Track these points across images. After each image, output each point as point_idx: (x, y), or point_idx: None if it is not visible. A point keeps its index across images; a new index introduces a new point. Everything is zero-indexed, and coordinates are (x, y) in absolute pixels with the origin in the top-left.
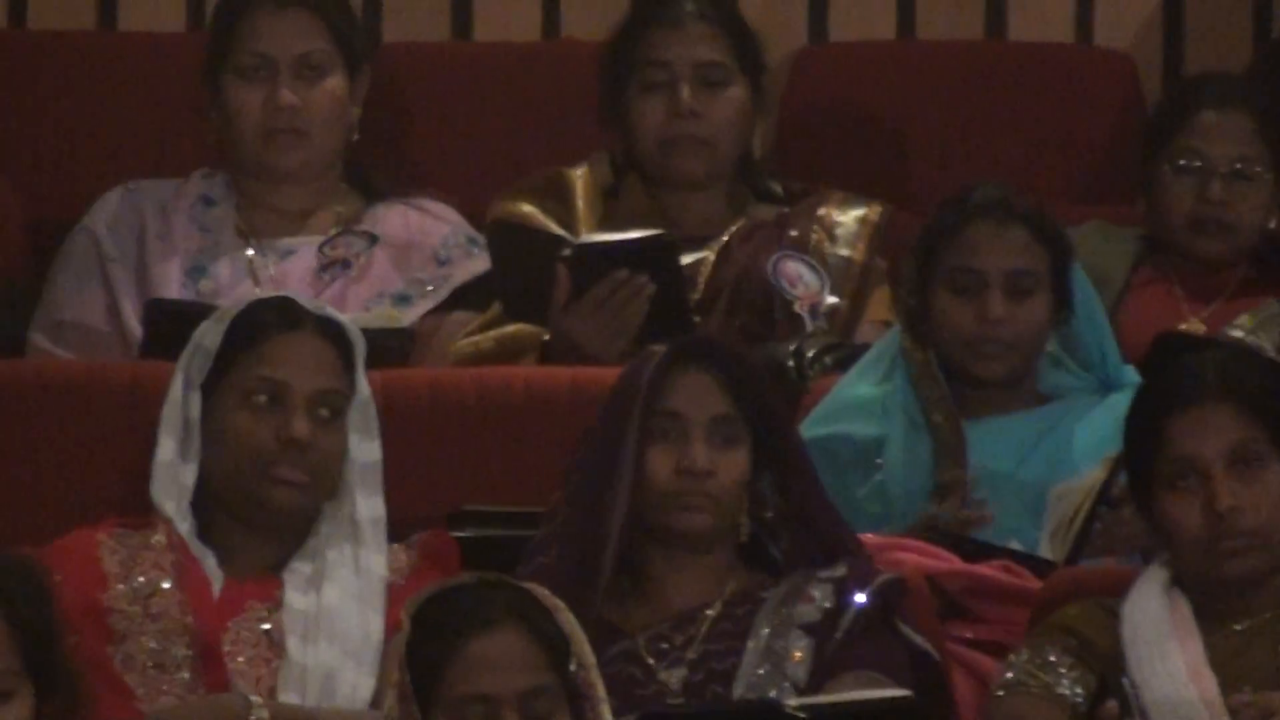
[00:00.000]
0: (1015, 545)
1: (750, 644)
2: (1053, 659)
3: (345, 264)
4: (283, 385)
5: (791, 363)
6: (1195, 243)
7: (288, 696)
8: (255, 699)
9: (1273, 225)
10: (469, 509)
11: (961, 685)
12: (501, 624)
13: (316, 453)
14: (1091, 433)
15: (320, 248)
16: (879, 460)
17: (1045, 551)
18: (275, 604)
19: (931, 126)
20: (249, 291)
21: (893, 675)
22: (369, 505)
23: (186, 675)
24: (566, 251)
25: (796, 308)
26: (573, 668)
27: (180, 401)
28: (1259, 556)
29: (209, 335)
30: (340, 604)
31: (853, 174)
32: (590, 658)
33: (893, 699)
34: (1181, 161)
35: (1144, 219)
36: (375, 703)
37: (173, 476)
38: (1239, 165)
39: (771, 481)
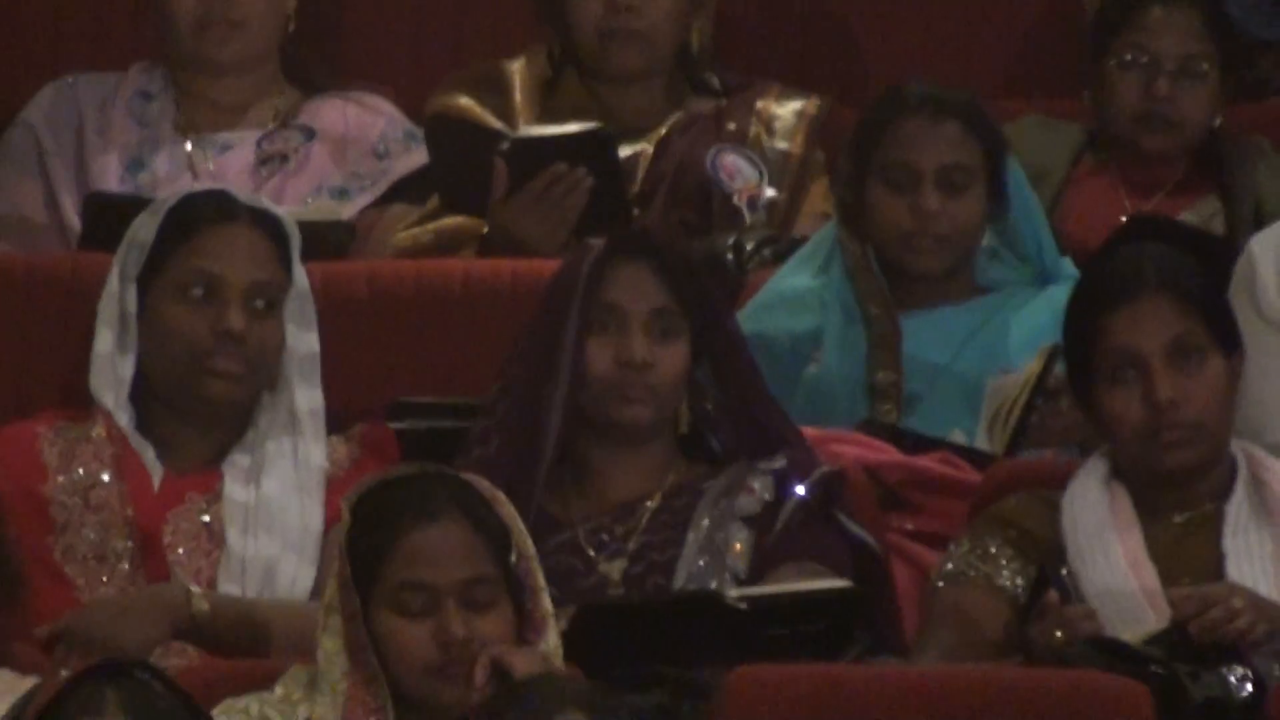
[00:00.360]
0: (957, 438)
1: (690, 535)
2: (993, 550)
3: (283, 158)
4: (217, 278)
5: (730, 255)
6: (1141, 138)
7: (228, 588)
8: (195, 590)
9: (1217, 122)
10: (408, 401)
11: (901, 576)
12: (442, 515)
13: (252, 345)
14: (1028, 325)
15: (258, 142)
16: (815, 352)
17: (983, 444)
18: (215, 496)
19: (870, 18)
20: (187, 185)
21: (833, 566)
22: (307, 397)
23: (126, 567)
24: (504, 145)
25: (735, 200)
26: (513, 559)
27: (117, 294)
28: (1198, 448)
29: (144, 228)
30: (280, 495)
31: (791, 67)
32: (530, 548)
33: (833, 589)
34: (1128, 56)
35: (1088, 113)
36: (315, 593)
37: (111, 369)
38: (1186, 61)
39: (710, 373)
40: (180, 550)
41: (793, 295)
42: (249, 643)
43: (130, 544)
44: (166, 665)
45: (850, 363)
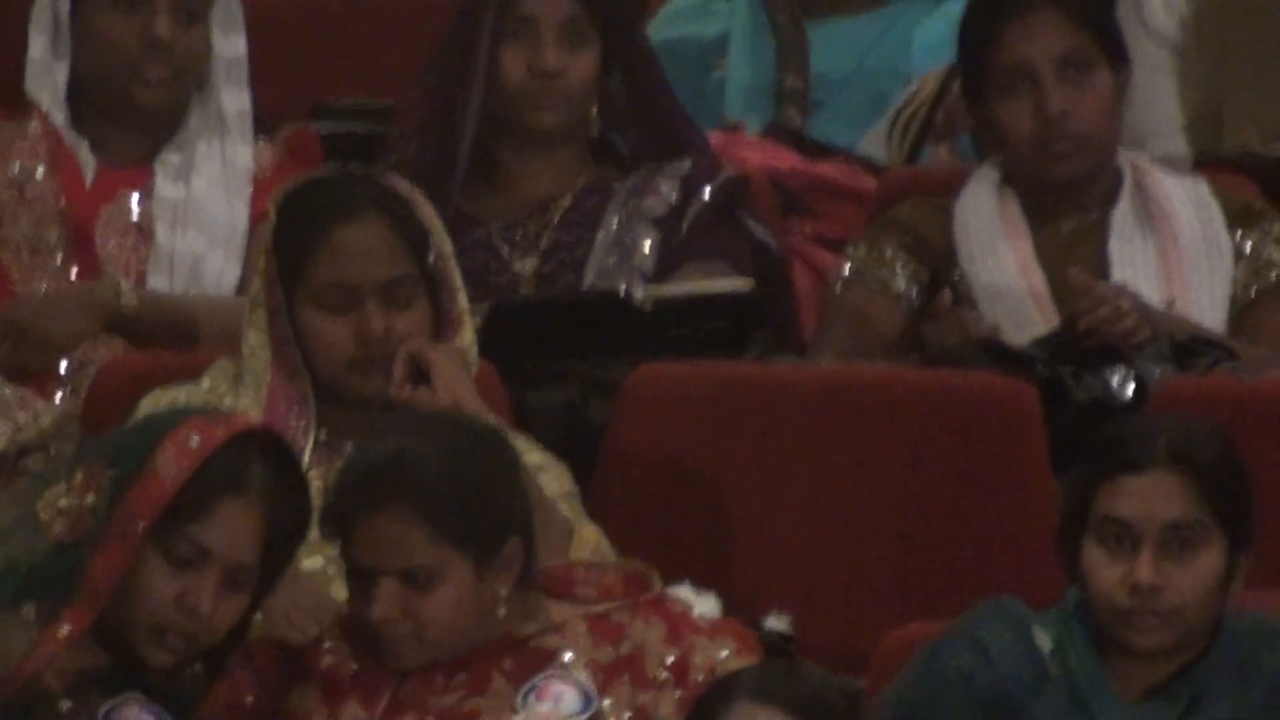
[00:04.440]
0: (860, 149)
1: (600, 234)
2: (888, 253)
3: None
4: None
5: None
6: None
7: (156, 281)
8: (125, 286)
9: None
10: (331, 104)
11: (801, 279)
12: (364, 214)
13: (179, 51)
14: (929, 35)
15: None
16: (721, 59)
17: (879, 150)
18: (146, 192)
19: None
20: None
21: (736, 266)
22: (235, 99)
23: (59, 259)
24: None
25: None
26: (431, 258)
27: (49, 1)
28: (1086, 159)
29: None
30: (208, 193)
31: None
32: (448, 247)
33: (735, 290)
34: None
35: None
36: (241, 289)
37: (46, 72)
38: None
39: (620, 80)
40: (111, 244)
41: (701, 2)
42: (177, 336)
43: (63, 236)
44: (95, 358)
45: (757, 69)
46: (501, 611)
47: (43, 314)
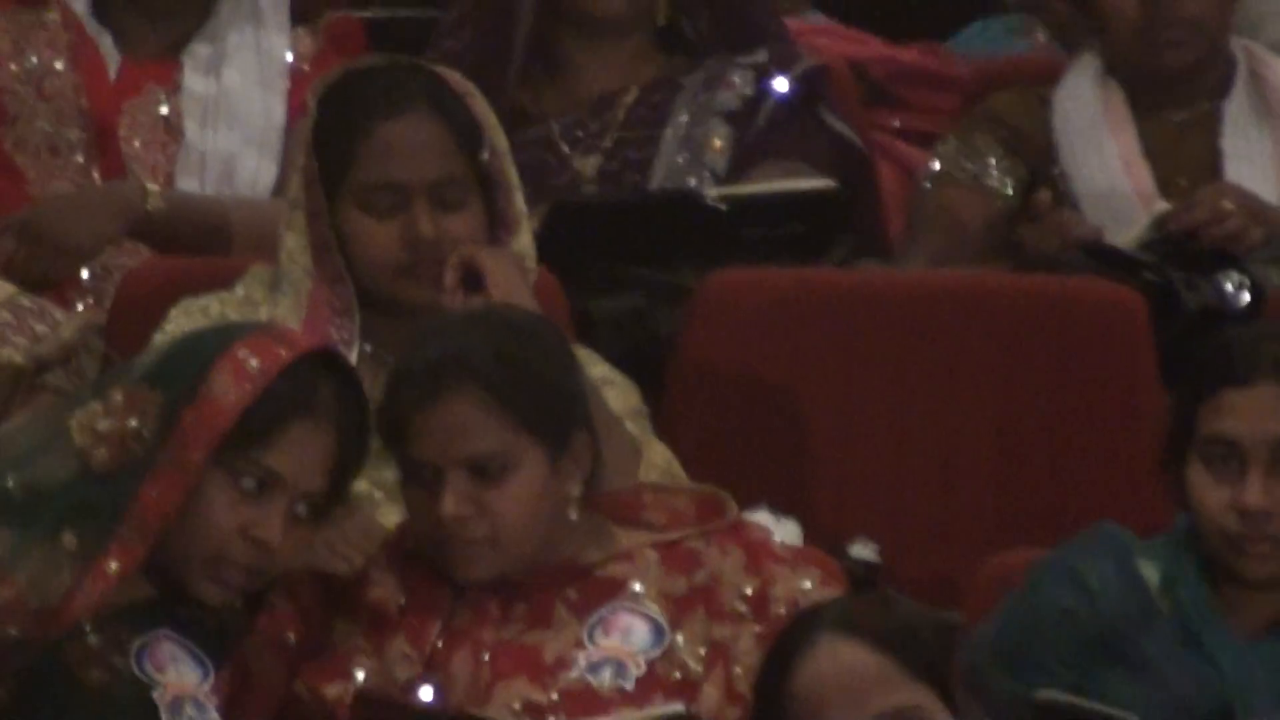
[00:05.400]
0: None
1: (668, 131)
2: (982, 148)
3: None
4: None
5: None
6: None
7: (186, 183)
8: (152, 187)
9: None
10: None
11: (886, 175)
12: (412, 108)
13: None
14: None
15: None
16: None
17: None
18: (173, 87)
19: None
20: None
21: (816, 164)
22: None
23: (80, 159)
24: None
25: None
26: (484, 155)
27: None
28: (1197, 46)
29: None
30: (241, 87)
31: None
32: (502, 144)
33: (815, 189)
34: None
35: None
36: (278, 191)
37: None
38: None
39: None
40: (136, 143)
41: None
42: (207, 242)
43: (84, 135)
44: (119, 264)
45: None
46: (573, 515)
47: (63, 217)
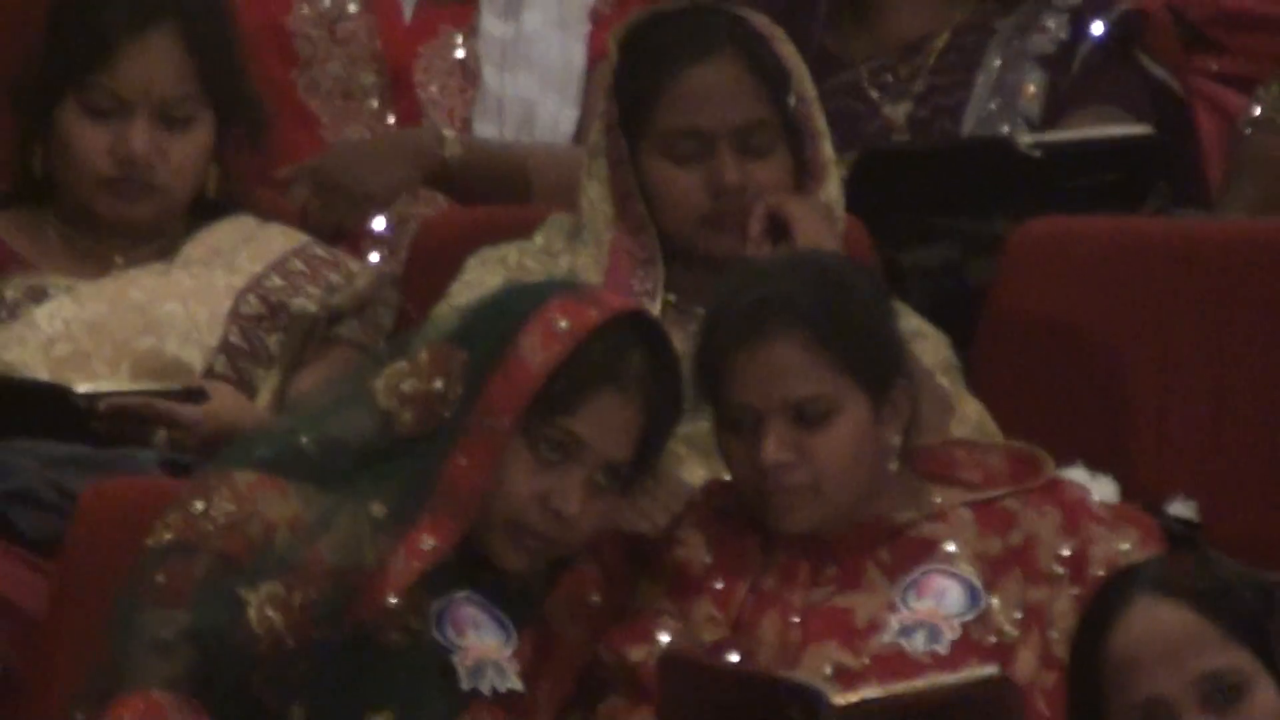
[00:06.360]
0: None
1: (980, 77)
2: None
3: None
4: None
5: None
6: None
7: (483, 129)
8: (448, 134)
9: None
10: None
11: (1205, 121)
12: (718, 53)
13: None
14: None
15: None
16: None
17: None
18: (471, 30)
19: None
20: None
21: (1132, 110)
22: None
23: (375, 104)
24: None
25: None
26: (792, 101)
27: None
28: None
29: None
30: (541, 30)
31: None
32: (810, 90)
33: (1132, 135)
34: None
35: None
36: (579, 137)
37: None
38: None
39: None
40: (433, 88)
41: None
42: (506, 190)
43: (378, 80)
44: (415, 213)
45: None
46: (893, 466)
47: (357, 164)
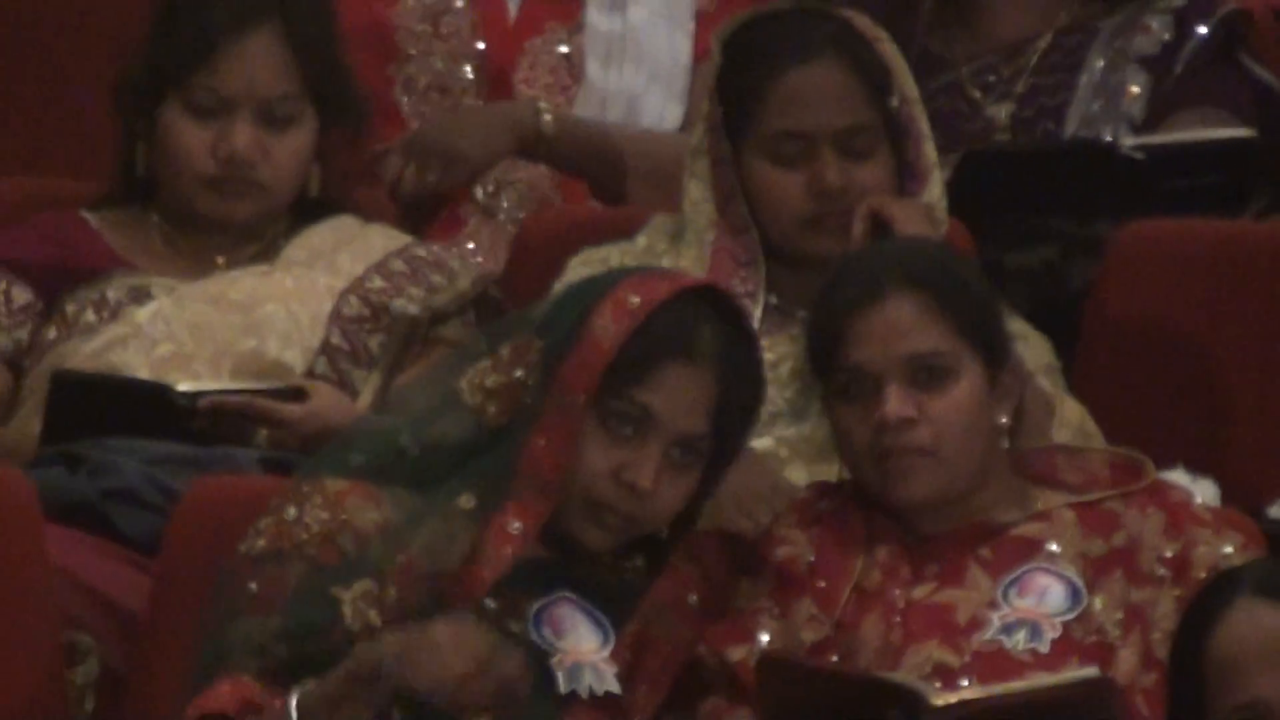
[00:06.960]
0: None
1: (1083, 77)
2: None
3: None
4: None
5: None
6: None
7: None
8: (544, 105)
9: None
10: None
11: None
12: (820, 55)
13: None
14: None
15: None
16: None
17: None
18: (576, 25)
19: None
20: None
21: (1235, 112)
22: None
23: (471, 100)
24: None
25: None
26: (894, 102)
27: None
28: None
29: None
30: (647, 24)
31: None
32: (912, 91)
33: (1236, 138)
34: None
35: None
36: (682, 130)
37: None
38: None
39: None
40: (537, 84)
41: None
42: (599, 167)
43: (476, 76)
44: (512, 179)
45: None
46: (1005, 444)
47: (451, 129)
